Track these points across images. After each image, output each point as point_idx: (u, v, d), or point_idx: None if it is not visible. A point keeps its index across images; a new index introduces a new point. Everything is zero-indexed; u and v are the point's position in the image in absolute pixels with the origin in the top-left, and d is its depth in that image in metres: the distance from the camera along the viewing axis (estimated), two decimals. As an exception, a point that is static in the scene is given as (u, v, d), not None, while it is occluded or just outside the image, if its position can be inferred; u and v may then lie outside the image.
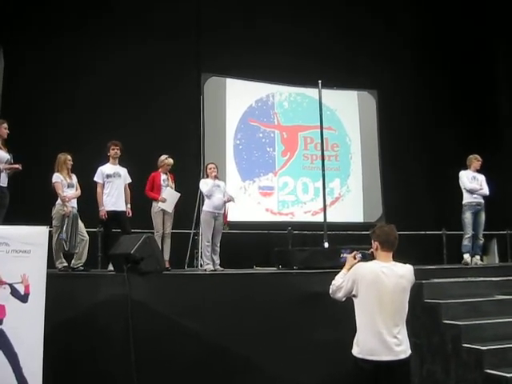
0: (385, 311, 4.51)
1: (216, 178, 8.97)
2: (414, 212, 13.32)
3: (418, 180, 13.91)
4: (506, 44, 14.58)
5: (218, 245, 8.79)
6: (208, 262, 8.59)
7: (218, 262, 8.71)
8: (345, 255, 5.00)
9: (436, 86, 14.53)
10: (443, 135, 14.44)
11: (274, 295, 7.34)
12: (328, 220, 9.64)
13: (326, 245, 9.05)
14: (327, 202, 10.27)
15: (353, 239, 11.40)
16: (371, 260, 4.80)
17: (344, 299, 4.83)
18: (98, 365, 6.47)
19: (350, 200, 12.74)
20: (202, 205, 9.52)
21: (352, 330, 7.35)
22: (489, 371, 6.35)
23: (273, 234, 11.87)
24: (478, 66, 14.80)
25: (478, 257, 9.85)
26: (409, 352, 4.59)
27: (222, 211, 8.95)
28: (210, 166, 9.12)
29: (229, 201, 9.16)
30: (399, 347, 4.52)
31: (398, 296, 4.58)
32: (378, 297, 4.51)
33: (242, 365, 6.95)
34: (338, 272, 8.05)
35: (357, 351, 4.62)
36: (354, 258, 4.98)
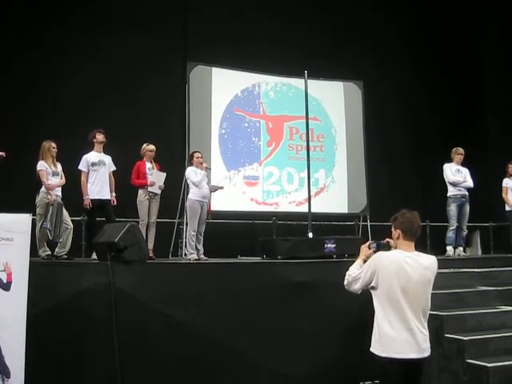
0: (410, 305, 4.21)
1: (207, 168, 8.99)
2: (398, 203, 13.25)
3: (403, 171, 13.97)
4: (493, 38, 14.65)
5: (202, 234, 8.80)
6: (192, 251, 8.58)
7: (201, 250, 8.72)
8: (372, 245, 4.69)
9: (422, 78, 14.58)
10: (428, 127, 14.53)
11: (258, 285, 7.34)
12: (312, 210, 9.68)
13: (311, 235, 9.09)
14: (312, 193, 10.33)
15: (337, 230, 11.45)
16: (386, 250, 4.52)
17: (360, 291, 4.50)
18: (81, 354, 6.46)
19: (335, 190, 12.75)
20: (187, 194, 9.51)
21: (336, 320, 7.43)
22: (470, 361, 6.42)
23: (257, 223, 11.88)
24: (464, 59, 14.89)
25: (461, 248, 9.96)
26: (429, 350, 4.33)
27: (207, 201, 8.97)
28: (197, 155, 9.09)
29: (215, 190, 9.18)
30: (425, 344, 4.26)
31: (423, 288, 4.28)
32: (402, 289, 4.19)
33: (226, 354, 6.96)
34: (322, 262, 8.14)
35: (379, 350, 4.26)
36: (369, 248, 4.67)
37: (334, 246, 8.62)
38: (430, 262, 4.40)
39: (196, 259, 8.45)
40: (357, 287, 4.48)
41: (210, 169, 9.07)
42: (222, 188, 9.45)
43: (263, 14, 13.13)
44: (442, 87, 14.71)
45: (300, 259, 8.00)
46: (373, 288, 4.37)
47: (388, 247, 4.60)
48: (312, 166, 10.18)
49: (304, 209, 10.79)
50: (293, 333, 7.22)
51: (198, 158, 9.06)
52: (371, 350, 4.35)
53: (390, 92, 14.18)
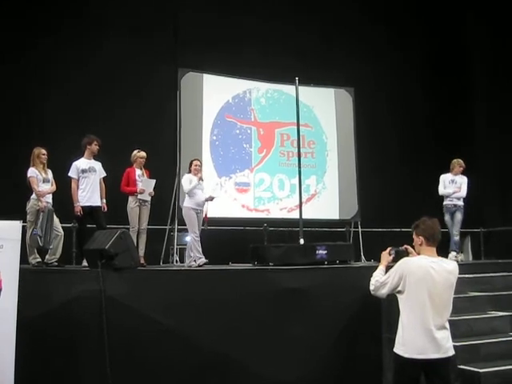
0: (435, 308, 4.43)
1: (200, 179, 8.97)
2: (389, 209, 13.40)
3: (394, 177, 14.02)
4: (484, 47, 14.73)
5: None
6: (200, 256, 8.65)
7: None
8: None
9: (413, 84, 14.64)
10: (419, 133, 14.58)
11: (250, 291, 7.34)
12: (304, 217, 9.66)
13: (302, 241, 9.08)
14: (303, 199, 10.31)
15: (328, 236, 11.44)
16: (404, 256, 4.75)
17: (385, 296, 4.76)
18: (72, 361, 6.44)
19: (326, 197, 12.73)
20: (178, 201, 9.50)
21: (327, 326, 7.42)
22: (462, 367, 6.43)
23: (249, 230, 11.88)
24: (455, 67, 14.98)
25: (454, 253, 10.06)
26: (453, 349, 4.55)
27: (202, 208, 8.97)
28: (195, 163, 9.15)
29: (212, 199, 9.16)
30: (448, 344, 4.48)
31: (447, 292, 4.52)
32: (428, 293, 4.42)
33: (217, 360, 6.95)
34: (313, 268, 8.14)
35: (402, 351, 4.50)
36: (389, 254, 4.89)
37: (325, 252, 8.62)
38: (452, 266, 4.62)
39: (205, 263, 8.54)
40: (384, 292, 4.68)
41: (202, 180, 9.05)
42: (217, 197, 9.47)
43: (254, 21, 13.16)
44: (434, 93, 14.76)
45: (291, 266, 7.99)
46: (399, 292, 4.59)
47: (406, 253, 4.81)
48: (303, 173, 10.16)
49: (295, 215, 10.75)
50: (284, 339, 7.22)
51: (196, 165, 9.11)
52: (394, 350, 4.58)
53: (380, 98, 14.23)
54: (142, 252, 8.77)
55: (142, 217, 8.88)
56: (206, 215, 9.21)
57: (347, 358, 7.50)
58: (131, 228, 8.67)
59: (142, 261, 8.63)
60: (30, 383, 5.84)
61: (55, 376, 6.29)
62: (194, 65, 11.79)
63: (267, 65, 12.70)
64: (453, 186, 10.18)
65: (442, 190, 10.22)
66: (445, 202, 10.21)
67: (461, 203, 10.21)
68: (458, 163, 10.28)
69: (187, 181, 8.92)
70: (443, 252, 10.45)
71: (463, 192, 10.19)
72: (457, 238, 10.20)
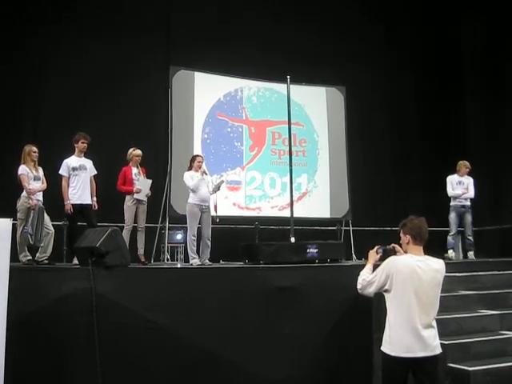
0: (422, 306, 4.47)
1: (204, 173, 8.88)
2: (380, 208, 13.44)
3: (385, 176, 14.04)
4: (477, 47, 14.76)
5: (210, 238, 8.78)
6: (194, 256, 8.54)
7: (208, 256, 8.69)
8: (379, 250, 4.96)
9: (404, 84, 14.67)
10: (411, 133, 14.62)
11: (241, 289, 7.33)
12: (295, 215, 9.68)
13: (293, 240, 9.09)
14: (294, 198, 10.33)
15: (319, 234, 11.46)
16: (392, 254, 4.79)
17: (373, 294, 4.80)
18: (63, 360, 6.40)
19: (317, 195, 12.75)
20: (170, 199, 9.45)
21: (318, 324, 7.43)
22: (452, 365, 6.46)
23: (240, 228, 11.88)
24: (448, 66, 15.01)
25: (471, 252, 10.63)
26: (440, 348, 4.58)
27: (208, 204, 8.90)
28: (198, 159, 9.00)
29: (218, 188, 9.01)
30: (435, 342, 4.51)
31: (433, 291, 4.56)
32: (415, 292, 4.46)
33: (208, 359, 6.94)
34: (304, 267, 8.15)
35: (389, 349, 4.53)
36: (376, 253, 4.94)
37: (316, 250, 8.64)
38: (439, 265, 4.68)
39: (199, 264, 8.42)
40: (371, 290, 4.73)
41: (206, 173, 8.97)
42: (223, 182, 9.37)
43: (246, 19, 13.17)
44: (425, 92, 14.79)
45: (282, 264, 8.00)
46: (386, 291, 4.64)
47: (394, 252, 4.84)
48: (294, 171, 10.19)
49: (286, 213, 10.77)
50: (275, 337, 7.21)
51: (199, 162, 8.95)
52: (382, 349, 4.62)
53: (372, 97, 14.25)
54: (141, 250, 8.84)
55: (139, 215, 8.88)
56: (216, 210, 9.08)
57: (338, 356, 7.51)
58: (126, 226, 8.67)
59: (143, 259, 8.73)
60: (20, 381, 5.82)
61: (46, 374, 6.26)
62: (185, 63, 11.78)
63: (259, 63, 12.70)
64: (460, 187, 10.48)
65: (450, 192, 10.51)
66: (453, 203, 10.54)
67: (468, 203, 10.57)
68: (464, 165, 10.58)
69: (189, 177, 8.78)
70: (440, 250, 10.62)
71: (471, 192, 10.53)
72: (470, 238, 10.61)
